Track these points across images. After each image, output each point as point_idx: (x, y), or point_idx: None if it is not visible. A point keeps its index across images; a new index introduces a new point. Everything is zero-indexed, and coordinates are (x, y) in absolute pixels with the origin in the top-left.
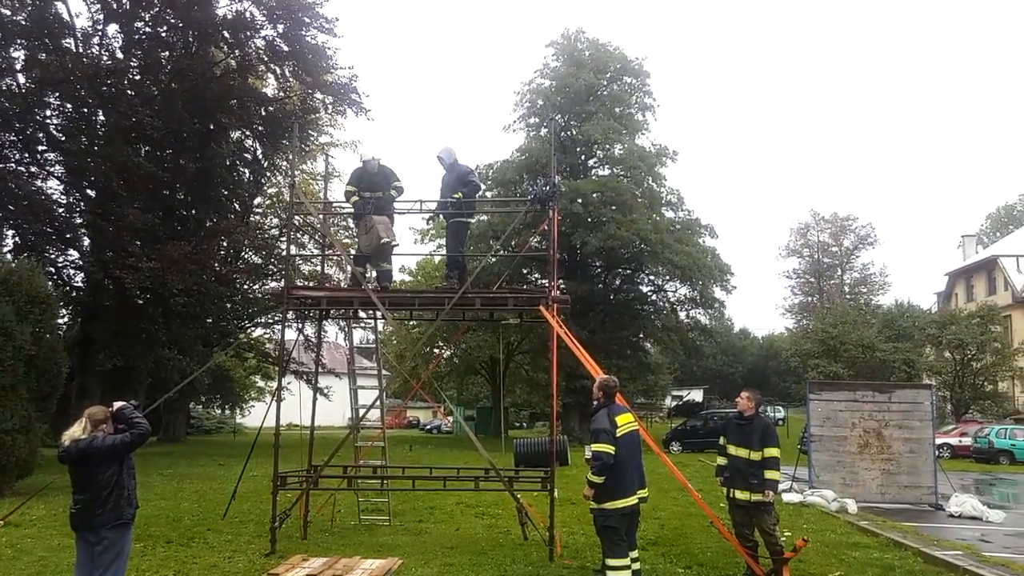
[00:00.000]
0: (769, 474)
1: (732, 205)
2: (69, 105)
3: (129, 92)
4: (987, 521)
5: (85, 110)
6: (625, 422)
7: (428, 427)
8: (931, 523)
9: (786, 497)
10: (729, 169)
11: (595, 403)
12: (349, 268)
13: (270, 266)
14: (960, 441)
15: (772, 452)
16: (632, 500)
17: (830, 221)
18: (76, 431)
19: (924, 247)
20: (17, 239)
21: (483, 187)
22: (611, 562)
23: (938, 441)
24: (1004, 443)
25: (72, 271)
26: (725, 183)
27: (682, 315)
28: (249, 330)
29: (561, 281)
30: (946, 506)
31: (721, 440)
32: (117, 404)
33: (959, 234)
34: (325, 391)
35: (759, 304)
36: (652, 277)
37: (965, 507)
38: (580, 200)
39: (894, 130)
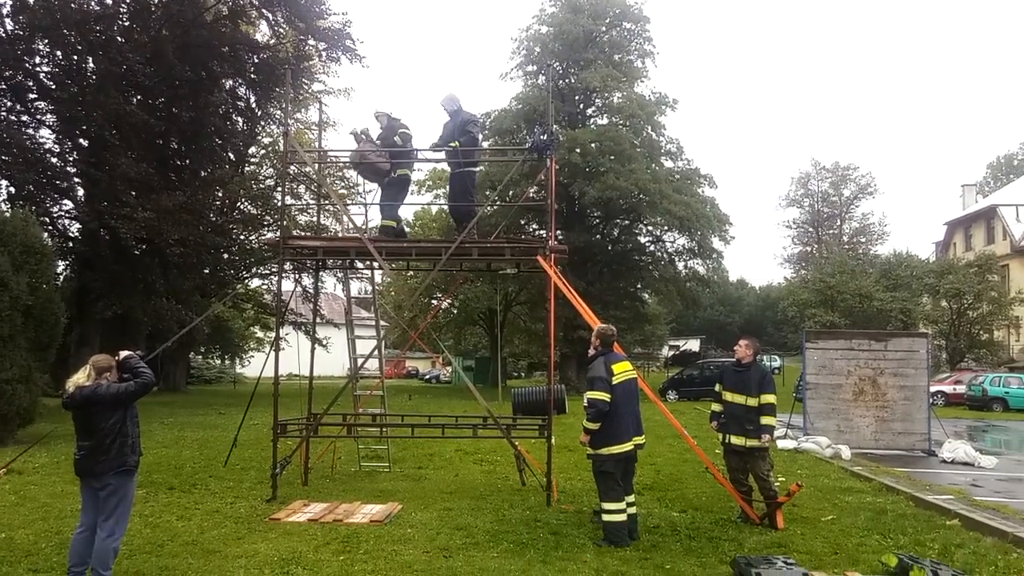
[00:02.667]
0: (765, 420)
1: (732, 155)
2: (59, 52)
3: (119, 39)
4: (979, 467)
5: (75, 57)
6: (622, 370)
7: (427, 377)
8: (924, 469)
9: (780, 444)
10: (730, 118)
11: (593, 351)
12: (346, 218)
13: (266, 216)
14: (954, 389)
15: (768, 398)
16: (628, 446)
17: (831, 170)
18: (80, 378)
19: (924, 197)
20: (11, 189)
21: (481, 139)
22: (607, 506)
23: (932, 389)
24: (998, 391)
25: (67, 221)
26: (725, 132)
27: (680, 265)
28: (247, 281)
29: (559, 231)
30: (939, 452)
31: (717, 387)
32: (124, 353)
33: (959, 183)
34: (323, 342)
35: (757, 254)
36: (650, 227)
37: (958, 453)
38: (578, 150)
39: (898, 78)
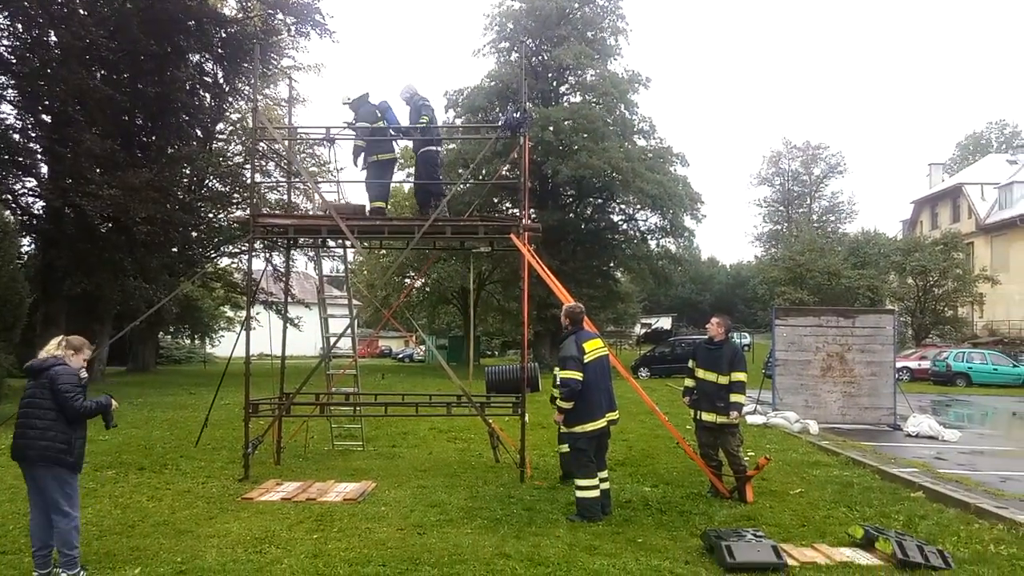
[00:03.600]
0: (735, 397)
1: (704, 133)
2: (19, 25)
3: (82, 12)
4: (943, 440)
5: (36, 31)
6: (592, 348)
7: (400, 356)
8: (889, 443)
9: (750, 419)
10: (702, 96)
11: (564, 330)
12: (317, 196)
13: (235, 194)
14: (919, 365)
15: (739, 376)
16: (600, 423)
17: (802, 149)
18: (51, 347)
19: (892, 176)
20: None
21: (453, 116)
22: (580, 482)
23: (898, 365)
24: (961, 366)
25: (31, 199)
26: (698, 111)
27: (652, 244)
28: (216, 259)
29: (532, 210)
30: (904, 426)
31: (690, 363)
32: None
33: (927, 162)
34: (295, 321)
35: (728, 233)
36: (623, 206)
37: (922, 427)
38: (552, 128)
39: (868, 57)
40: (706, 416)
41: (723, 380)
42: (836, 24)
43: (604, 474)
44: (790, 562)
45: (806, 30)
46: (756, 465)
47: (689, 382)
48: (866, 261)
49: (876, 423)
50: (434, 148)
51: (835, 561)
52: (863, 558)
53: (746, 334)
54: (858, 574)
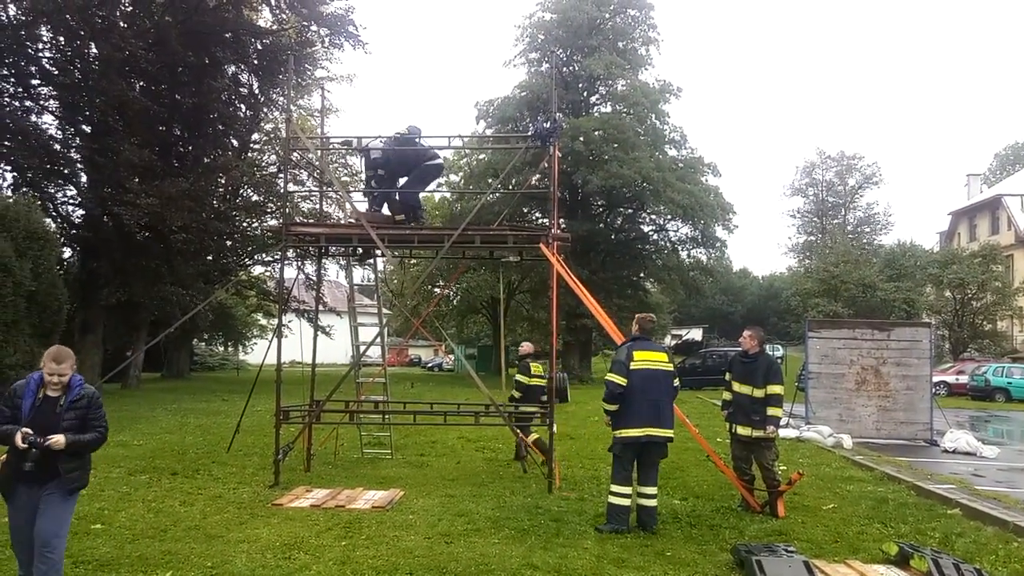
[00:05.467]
0: (771, 411)
1: (736, 143)
2: (62, 38)
3: (122, 24)
4: (981, 456)
5: (77, 43)
6: (644, 358)
7: (429, 365)
8: (926, 458)
9: (782, 433)
10: (734, 106)
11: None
12: (348, 205)
13: (269, 203)
14: (957, 379)
15: (775, 389)
16: (636, 432)
17: (836, 160)
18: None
19: (929, 187)
20: (15, 175)
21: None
22: (613, 488)
23: (935, 379)
24: (1000, 381)
25: (71, 207)
26: (730, 121)
27: (683, 254)
28: (249, 267)
29: (562, 220)
30: (941, 442)
31: (727, 376)
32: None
33: (965, 173)
34: (326, 329)
35: (760, 243)
36: (654, 216)
37: (960, 443)
38: (582, 138)
39: (905, 67)
40: (741, 430)
41: (758, 393)
42: (872, 33)
43: (648, 490)
44: None
45: (840, 39)
46: (788, 480)
47: (727, 395)
48: (902, 273)
49: (912, 438)
50: (437, 163)
51: None
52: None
53: (779, 346)
54: None
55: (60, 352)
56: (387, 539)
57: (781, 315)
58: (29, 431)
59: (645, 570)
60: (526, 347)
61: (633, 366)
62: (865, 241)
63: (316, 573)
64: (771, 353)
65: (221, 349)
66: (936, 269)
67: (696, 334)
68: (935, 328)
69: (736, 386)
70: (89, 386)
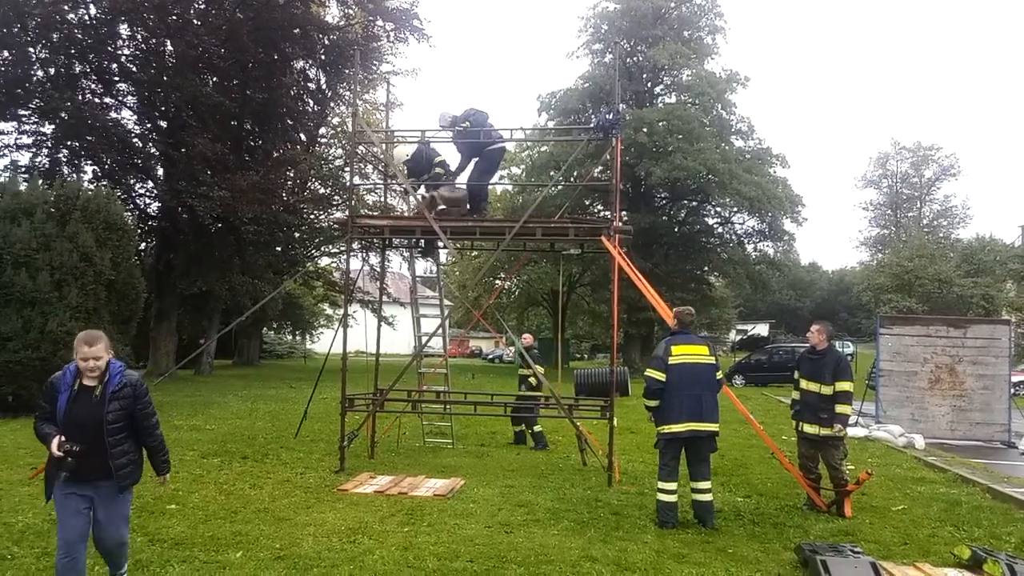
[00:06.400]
0: (840, 408)
1: (806, 133)
2: (139, 36)
3: (195, 22)
4: None
5: (154, 40)
6: (682, 352)
7: (490, 356)
8: (1002, 460)
9: (851, 431)
10: (804, 95)
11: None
12: (412, 198)
13: (335, 196)
14: None
15: (844, 386)
16: (677, 427)
17: (911, 150)
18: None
19: (1011, 178)
20: (95, 168)
21: (545, 119)
22: (658, 484)
23: (1014, 379)
24: None
25: (148, 200)
26: (799, 110)
27: (749, 248)
28: (316, 259)
29: (624, 212)
30: (1019, 444)
31: (795, 374)
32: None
33: None
34: (390, 320)
35: (830, 237)
36: (719, 209)
37: None
38: (645, 129)
39: (983, 54)
40: (808, 428)
41: (826, 390)
42: (949, 19)
43: (702, 485)
44: None
45: (916, 23)
46: (856, 479)
47: (795, 394)
48: (981, 268)
49: (988, 440)
50: (497, 147)
51: None
52: None
53: (849, 343)
54: None
55: (91, 334)
56: (448, 527)
57: (851, 311)
58: (64, 440)
59: (706, 566)
60: (527, 339)
61: (672, 360)
62: (942, 235)
63: (379, 558)
64: (840, 350)
65: (289, 338)
66: (1017, 264)
67: (762, 329)
68: (1015, 326)
69: (804, 383)
70: (132, 372)
